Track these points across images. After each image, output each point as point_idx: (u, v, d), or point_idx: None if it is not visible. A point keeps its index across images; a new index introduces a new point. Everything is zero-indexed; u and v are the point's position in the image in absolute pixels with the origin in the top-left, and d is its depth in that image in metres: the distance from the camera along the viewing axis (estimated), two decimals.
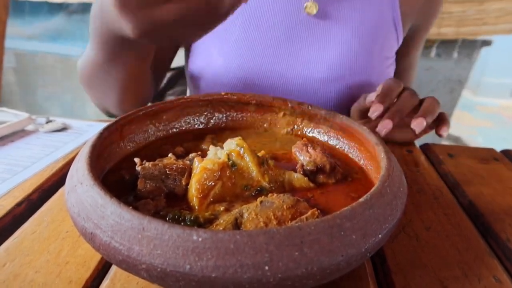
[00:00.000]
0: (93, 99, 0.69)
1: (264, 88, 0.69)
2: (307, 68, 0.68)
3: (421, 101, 0.53)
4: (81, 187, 0.30)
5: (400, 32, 0.74)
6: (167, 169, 0.37)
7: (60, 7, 2.22)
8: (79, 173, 0.31)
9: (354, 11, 0.69)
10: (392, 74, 0.77)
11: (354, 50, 0.69)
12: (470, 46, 1.90)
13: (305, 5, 0.67)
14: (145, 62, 0.59)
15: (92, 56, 0.56)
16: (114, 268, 0.35)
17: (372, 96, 0.52)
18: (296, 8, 0.68)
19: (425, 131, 0.59)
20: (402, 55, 0.80)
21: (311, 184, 0.39)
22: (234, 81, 0.69)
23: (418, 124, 0.50)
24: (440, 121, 0.54)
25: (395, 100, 0.52)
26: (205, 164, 0.35)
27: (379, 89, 0.53)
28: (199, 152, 0.40)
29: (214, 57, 0.70)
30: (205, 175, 0.35)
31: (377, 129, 0.50)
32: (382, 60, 0.72)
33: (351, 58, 0.69)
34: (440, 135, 0.53)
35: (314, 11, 0.67)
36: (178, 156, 0.40)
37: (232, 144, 0.38)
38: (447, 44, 1.88)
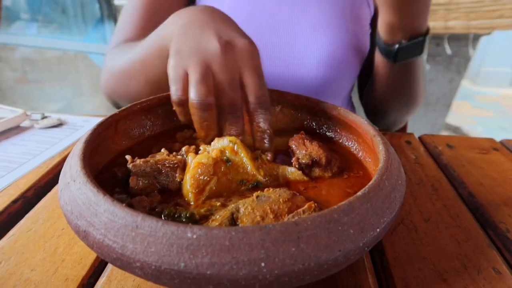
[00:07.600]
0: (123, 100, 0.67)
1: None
2: (292, 25, 0.72)
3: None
4: (74, 184, 0.29)
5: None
6: (159, 165, 0.36)
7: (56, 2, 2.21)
8: (72, 170, 0.31)
9: None
10: (368, 40, 0.77)
11: (331, 9, 0.72)
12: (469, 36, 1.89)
13: None
14: None
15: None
16: (110, 265, 0.35)
17: None
18: None
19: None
20: None
21: (305, 178, 0.39)
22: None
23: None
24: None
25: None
26: (199, 159, 0.35)
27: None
28: (193, 146, 0.39)
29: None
30: (199, 170, 0.34)
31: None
32: (356, 20, 0.74)
33: (330, 15, 0.72)
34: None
35: None
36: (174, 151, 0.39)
37: (225, 141, 0.38)
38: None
